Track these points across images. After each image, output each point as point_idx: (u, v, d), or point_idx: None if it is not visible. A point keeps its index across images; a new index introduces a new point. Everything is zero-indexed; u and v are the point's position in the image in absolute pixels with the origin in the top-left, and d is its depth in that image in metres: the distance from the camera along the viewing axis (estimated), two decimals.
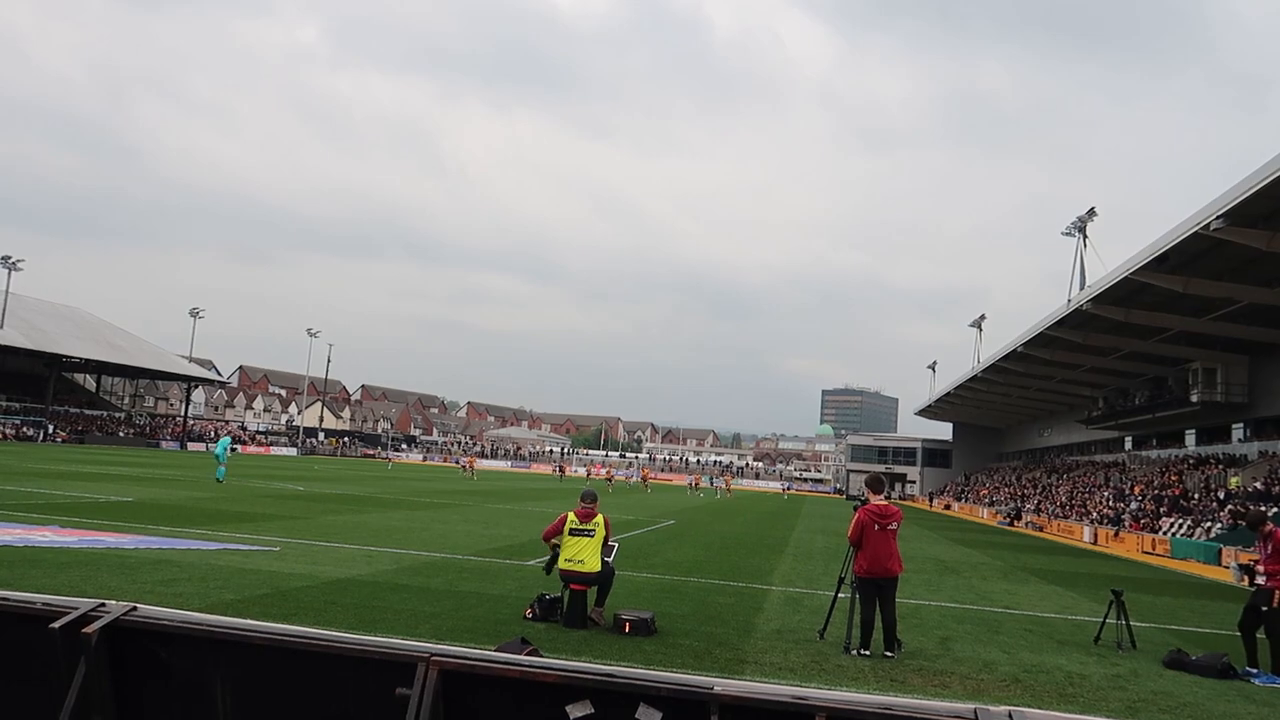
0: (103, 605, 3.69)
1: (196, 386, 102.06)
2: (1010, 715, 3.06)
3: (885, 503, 9.58)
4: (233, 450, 37.81)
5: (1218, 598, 18.09)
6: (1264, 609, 9.68)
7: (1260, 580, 9.90)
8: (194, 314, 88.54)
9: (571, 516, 9.97)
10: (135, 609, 3.69)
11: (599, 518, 9.86)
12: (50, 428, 70.00)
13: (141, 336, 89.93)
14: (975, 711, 3.06)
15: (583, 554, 9.68)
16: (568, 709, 3.33)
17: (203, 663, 3.55)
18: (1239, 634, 10.02)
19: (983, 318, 70.37)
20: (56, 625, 3.51)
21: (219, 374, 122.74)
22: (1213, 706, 8.15)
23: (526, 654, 7.24)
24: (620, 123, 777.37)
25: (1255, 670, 9.55)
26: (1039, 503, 54.51)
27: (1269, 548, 9.82)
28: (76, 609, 3.68)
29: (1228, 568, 24.75)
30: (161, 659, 3.59)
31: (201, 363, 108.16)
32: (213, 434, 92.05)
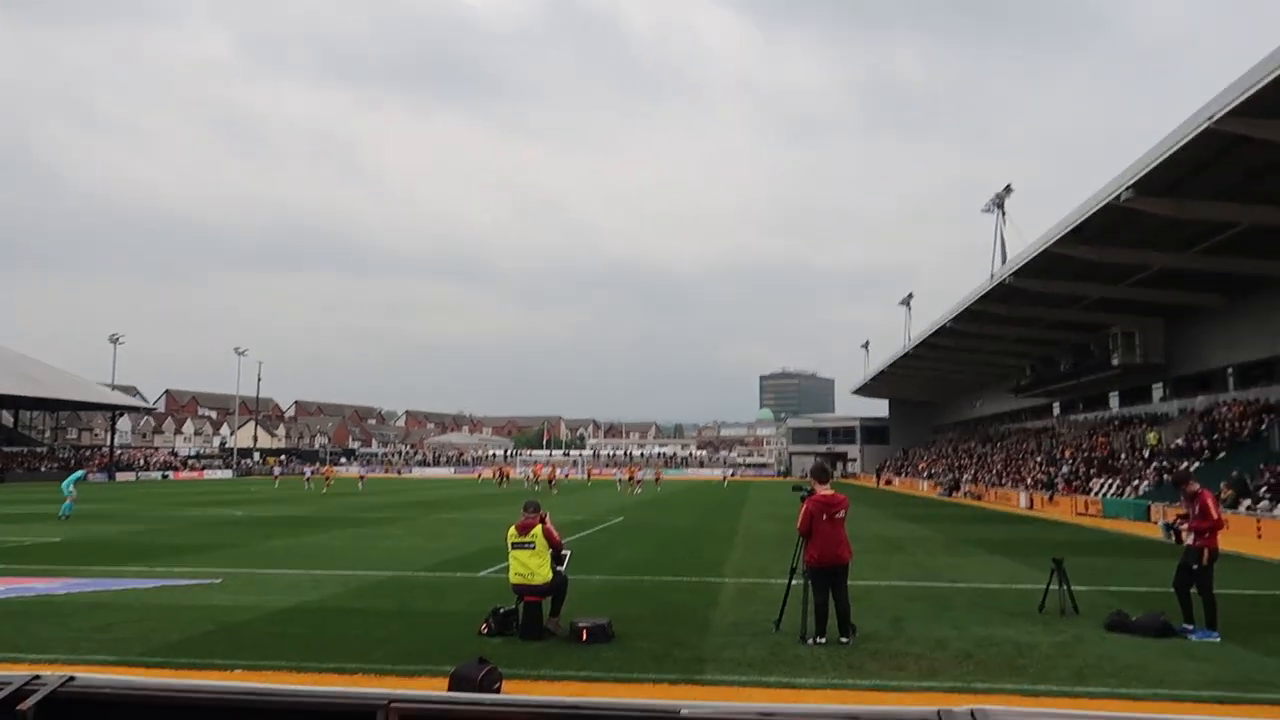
0: (37, 678, 3.53)
1: (121, 414, 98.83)
2: (973, 714, 3.12)
3: (832, 492, 9.69)
4: (82, 481, 34.75)
5: (1150, 555, 18.74)
6: (1194, 567, 10.04)
7: (1188, 540, 10.26)
8: (114, 340, 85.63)
9: (511, 531, 9.90)
10: (73, 679, 3.54)
11: (538, 529, 9.77)
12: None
13: (60, 367, 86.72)
14: (939, 713, 3.11)
15: (529, 565, 9.61)
16: None
17: None
18: (1174, 592, 10.37)
19: (911, 296, 71.82)
20: None
21: (144, 400, 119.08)
22: (1155, 666, 8.44)
23: (485, 673, 7.18)
24: (544, 122, 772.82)
25: (1191, 627, 9.91)
26: (975, 472, 55.85)
27: (1196, 507, 10.18)
28: (9, 684, 3.51)
29: (1157, 524, 25.66)
30: None
31: (125, 389, 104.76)
32: (141, 462, 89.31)
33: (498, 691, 7.16)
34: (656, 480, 65.48)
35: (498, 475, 65.28)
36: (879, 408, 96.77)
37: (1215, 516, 10.02)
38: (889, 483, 71.32)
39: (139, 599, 12.15)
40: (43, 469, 75.91)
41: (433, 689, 7.16)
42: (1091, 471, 40.13)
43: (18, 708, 3.41)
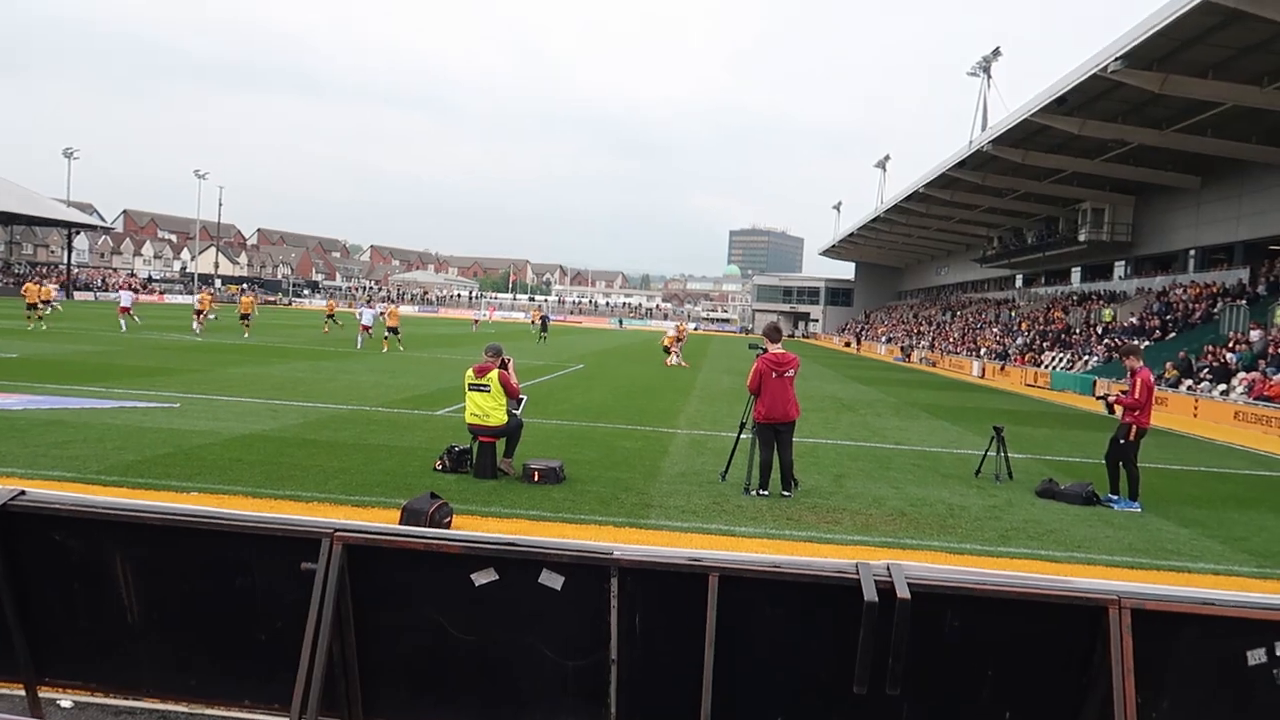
0: None
1: (78, 232, 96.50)
2: (888, 568, 3.31)
3: (782, 351, 9.85)
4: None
5: (1089, 428, 19.46)
6: (1121, 441, 10.47)
7: (1119, 414, 10.64)
8: (68, 154, 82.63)
9: (469, 373, 9.99)
10: (24, 493, 3.61)
11: (494, 373, 9.86)
12: None
13: (10, 179, 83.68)
14: (856, 566, 3.29)
15: (483, 407, 9.76)
16: (472, 577, 3.44)
17: (100, 545, 3.52)
18: (1104, 464, 10.84)
19: (887, 158, 71.10)
20: None
21: (102, 219, 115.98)
22: (1075, 531, 8.91)
23: (436, 508, 7.40)
24: None
25: (1115, 497, 10.42)
26: (933, 340, 56.87)
27: (1134, 383, 10.51)
28: None
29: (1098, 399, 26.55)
30: (56, 541, 3.54)
31: (81, 207, 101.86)
32: (100, 283, 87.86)
33: (448, 526, 7.42)
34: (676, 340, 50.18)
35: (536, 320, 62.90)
36: (846, 270, 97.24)
37: (1136, 397, 10.35)
38: (848, 344, 72.51)
39: (96, 418, 12.21)
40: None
41: (385, 521, 7.39)
42: (1045, 344, 41.04)
43: None
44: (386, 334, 31.62)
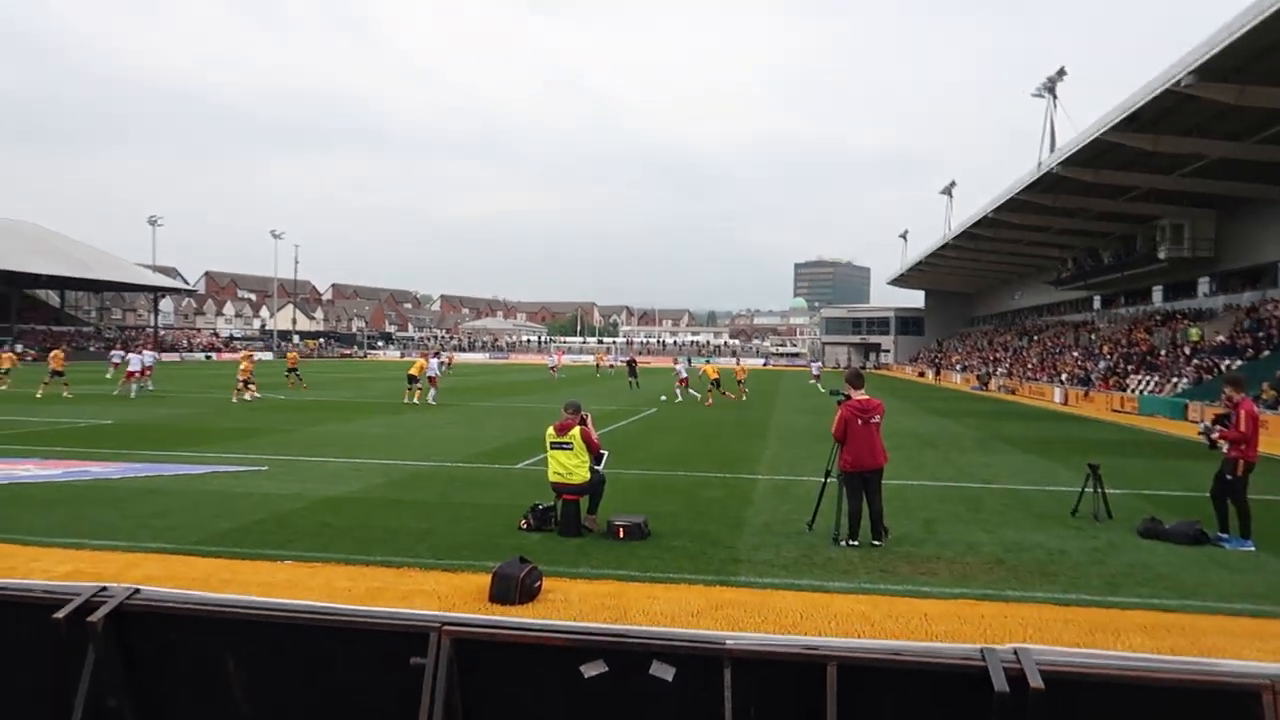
0: (105, 589, 3.66)
1: (164, 296, 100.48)
2: (1016, 653, 3.15)
3: (866, 397, 9.68)
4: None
5: (1186, 457, 18.68)
6: (1228, 477, 9.98)
7: (1224, 448, 10.16)
8: (152, 222, 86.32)
9: (550, 431, 10.03)
10: (138, 591, 3.67)
11: (575, 430, 9.89)
12: (19, 347, 68.91)
13: (100, 247, 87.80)
14: (982, 653, 3.15)
15: (567, 465, 9.77)
16: (582, 669, 3.38)
17: (212, 643, 3.55)
18: (1210, 499, 10.35)
19: (953, 184, 70.08)
20: (60, 615, 3.49)
21: (185, 281, 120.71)
22: (1187, 575, 8.49)
23: (526, 572, 7.38)
24: None
25: (1226, 536, 9.92)
26: (1010, 366, 55.49)
27: (1238, 415, 10.03)
28: (78, 595, 3.65)
29: (1195, 423, 25.47)
30: (169, 640, 3.59)
31: (165, 271, 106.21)
32: (185, 343, 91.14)
33: (538, 590, 7.39)
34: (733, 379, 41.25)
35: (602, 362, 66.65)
36: (915, 298, 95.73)
37: (1241, 430, 9.88)
38: (921, 374, 71.17)
39: (190, 485, 12.56)
40: (90, 348, 77.78)
41: (476, 584, 7.39)
42: (1129, 367, 39.70)
43: (88, 619, 3.56)
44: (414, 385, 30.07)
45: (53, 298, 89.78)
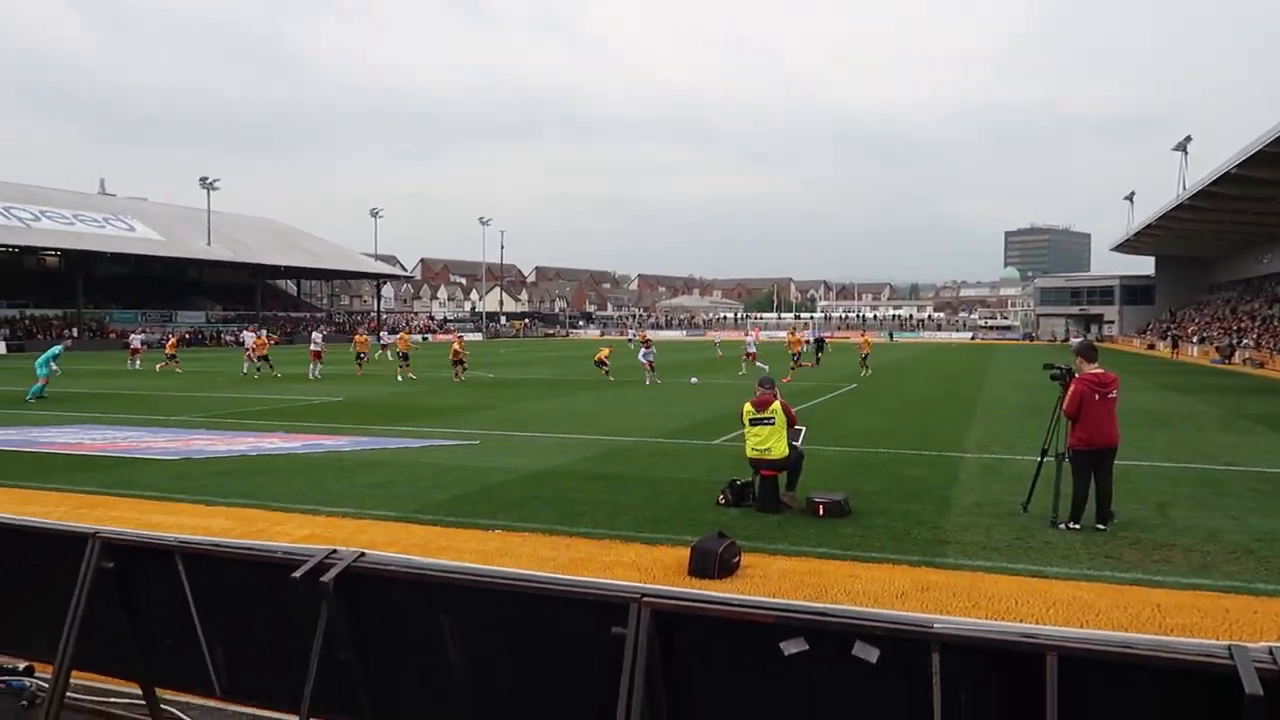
0: (335, 553, 3.95)
1: (385, 282, 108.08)
2: (1272, 652, 2.81)
3: (1102, 370, 8.99)
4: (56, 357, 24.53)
5: None
6: None
7: None
8: (374, 214, 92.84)
9: (748, 407, 9.95)
10: (364, 555, 3.95)
11: (776, 404, 9.78)
12: (264, 332, 76.36)
13: (329, 240, 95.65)
14: (1230, 650, 2.83)
15: (767, 441, 9.67)
16: (782, 645, 3.33)
17: (430, 606, 3.77)
18: None
19: (1188, 139, 63.88)
20: (297, 574, 3.81)
21: (404, 269, 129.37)
22: None
23: (724, 548, 7.38)
24: None
25: None
26: (1259, 337, 50.11)
27: None
28: (312, 556, 3.97)
29: None
30: (392, 601, 3.85)
31: (386, 259, 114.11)
32: (405, 325, 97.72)
33: (737, 565, 7.38)
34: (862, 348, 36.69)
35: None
36: (1143, 265, 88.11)
37: None
38: (1151, 347, 65.61)
39: (410, 458, 13.45)
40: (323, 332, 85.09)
41: (676, 558, 7.48)
42: None
43: (320, 579, 3.85)
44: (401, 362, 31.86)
45: (290, 286, 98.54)
